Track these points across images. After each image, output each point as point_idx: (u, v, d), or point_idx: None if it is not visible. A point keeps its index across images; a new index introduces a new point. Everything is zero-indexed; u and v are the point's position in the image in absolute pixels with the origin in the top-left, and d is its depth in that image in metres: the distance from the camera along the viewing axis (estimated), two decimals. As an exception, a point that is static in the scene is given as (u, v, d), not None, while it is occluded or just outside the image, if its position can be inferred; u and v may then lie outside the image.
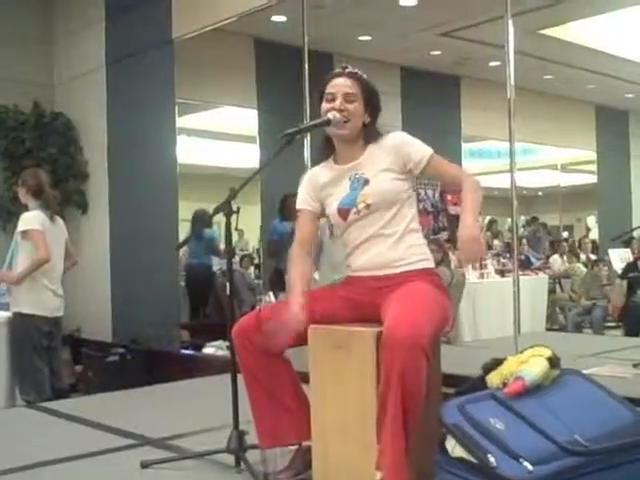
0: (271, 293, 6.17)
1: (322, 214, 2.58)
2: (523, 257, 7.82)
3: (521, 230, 8.42)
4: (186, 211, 5.92)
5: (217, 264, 7.47)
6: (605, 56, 7.17)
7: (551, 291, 7.45)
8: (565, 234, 9.33)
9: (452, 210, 7.54)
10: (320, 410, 2.43)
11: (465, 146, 8.52)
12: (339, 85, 2.44)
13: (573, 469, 1.86)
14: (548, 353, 2.12)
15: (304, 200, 2.56)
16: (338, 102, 2.41)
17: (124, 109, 6.08)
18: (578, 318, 7.10)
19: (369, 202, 2.39)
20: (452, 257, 6.52)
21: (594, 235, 9.24)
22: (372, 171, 2.42)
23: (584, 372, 2.24)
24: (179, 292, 5.92)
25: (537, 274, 7.29)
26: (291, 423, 2.47)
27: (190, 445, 2.99)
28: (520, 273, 7.20)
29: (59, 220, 4.59)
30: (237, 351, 2.48)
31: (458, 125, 8.30)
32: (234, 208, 2.60)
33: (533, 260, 8.13)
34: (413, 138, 2.45)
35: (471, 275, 6.45)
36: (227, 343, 5.76)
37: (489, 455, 1.87)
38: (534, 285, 6.88)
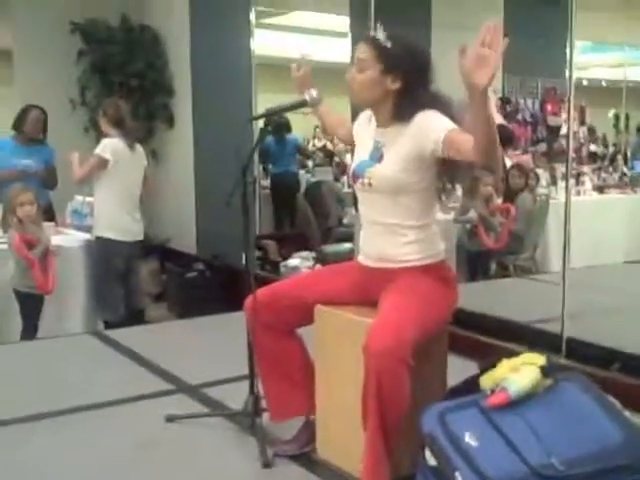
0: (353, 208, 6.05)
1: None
2: (626, 171, 7.32)
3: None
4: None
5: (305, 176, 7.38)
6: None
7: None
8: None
9: (551, 121, 7.13)
10: (323, 388, 2.50)
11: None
12: (357, 50, 2.28)
13: (542, 494, 1.82)
14: (541, 361, 2.04)
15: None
16: (352, 71, 2.27)
17: (205, 18, 5.96)
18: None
19: (372, 182, 2.29)
20: (542, 175, 6.15)
21: None
22: (390, 151, 2.27)
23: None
24: (256, 206, 5.89)
25: (636, 192, 6.75)
26: (298, 398, 2.54)
27: (222, 396, 3.11)
28: (619, 191, 6.81)
29: (139, 148, 4.72)
30: (248, 326, 2.54)
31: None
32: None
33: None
34: (438, 115, 2.15)
35: (560, 195, 6.03)
36: (313, 254, 5.76)
37: (457, 473, 1.86)
38: (635, 205, 6.42)
